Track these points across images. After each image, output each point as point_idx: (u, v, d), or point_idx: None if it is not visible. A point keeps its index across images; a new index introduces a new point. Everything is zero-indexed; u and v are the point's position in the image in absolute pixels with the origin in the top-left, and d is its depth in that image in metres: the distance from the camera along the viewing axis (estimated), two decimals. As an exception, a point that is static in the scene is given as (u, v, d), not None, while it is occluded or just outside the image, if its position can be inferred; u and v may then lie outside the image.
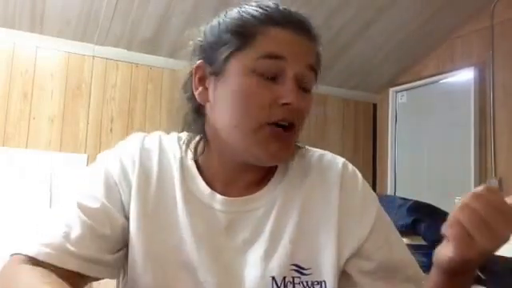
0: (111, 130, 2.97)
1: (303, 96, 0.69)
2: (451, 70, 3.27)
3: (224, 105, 0.69)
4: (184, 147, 0.75)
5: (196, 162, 0.74)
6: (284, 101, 0.66)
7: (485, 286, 1.74)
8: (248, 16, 0.69)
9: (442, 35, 3.29)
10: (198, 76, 0.72)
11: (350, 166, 0.78)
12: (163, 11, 2.71)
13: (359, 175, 0.77)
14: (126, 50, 3.00)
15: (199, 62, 0.71)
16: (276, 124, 0.67)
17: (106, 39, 2.90)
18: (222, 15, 0.72)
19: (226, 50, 0.68)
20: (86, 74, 2.94)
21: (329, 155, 0.79)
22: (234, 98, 0.68)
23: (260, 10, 0.69)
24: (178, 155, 0.74)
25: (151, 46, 2.97)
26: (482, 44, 3.06)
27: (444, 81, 3.34)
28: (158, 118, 3.06)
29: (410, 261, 0.74)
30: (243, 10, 0.70)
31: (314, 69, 0.70)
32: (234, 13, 0.71)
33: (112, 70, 3.00)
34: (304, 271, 0.69)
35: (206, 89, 0.71)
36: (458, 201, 0.58)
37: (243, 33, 0.68)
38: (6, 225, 2.44)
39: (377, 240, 0.72)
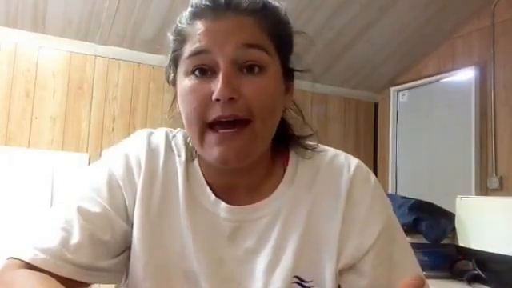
0: (113, 129, 2.97)
1: (249, 80, 0.61)
2: (452, 70, 3.28)
3: (182, 114, 0.66)
4: (190, 146, 0.72)
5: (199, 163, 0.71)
6: (213, 97, 0.59)
7: (485, 284, 1.74)
8: (181, 18, 0.66)
9: (442, 35, 3.29)
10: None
11: (364, 171, 0.71)
12: (165, 11, 2.71)
13: (372, 181, 0.70)
14: (128, 50, 3.01)
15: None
16: (219, 123, 0.61)
17: (108, 39, 2.91)
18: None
19: (171, 58, 0.67)
20: (88, 73, 2.94)
21: (341, 157, 0.73)
22: (180, 105, 0.66)
23: (189, 9, 0.65)
24: (184, 157, 0.71)
25: (153, 45, 2.97)
26: (483, 43, 3.07)
27: (445, 80, 3.34)
28: (159, 118, 3.06)
29: None
30: (183, 13, 0.66)
31: (257, 44, 0.61)
32: (177, 18, 0.67)
33: (114, 69, 3.01)
34: (305, 283, 0.67)
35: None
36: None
37: (179, 38, 0.65)
38: (8, 225, 2.45)
39: (377, 256, 0.66)
